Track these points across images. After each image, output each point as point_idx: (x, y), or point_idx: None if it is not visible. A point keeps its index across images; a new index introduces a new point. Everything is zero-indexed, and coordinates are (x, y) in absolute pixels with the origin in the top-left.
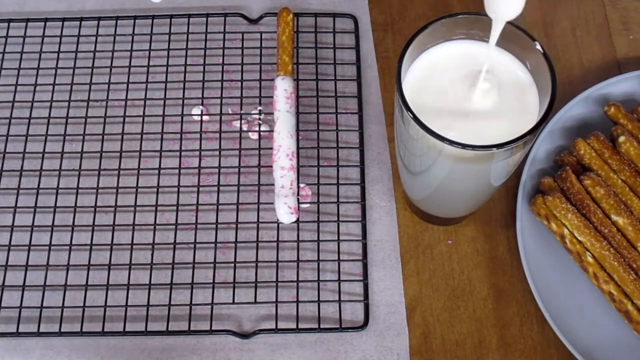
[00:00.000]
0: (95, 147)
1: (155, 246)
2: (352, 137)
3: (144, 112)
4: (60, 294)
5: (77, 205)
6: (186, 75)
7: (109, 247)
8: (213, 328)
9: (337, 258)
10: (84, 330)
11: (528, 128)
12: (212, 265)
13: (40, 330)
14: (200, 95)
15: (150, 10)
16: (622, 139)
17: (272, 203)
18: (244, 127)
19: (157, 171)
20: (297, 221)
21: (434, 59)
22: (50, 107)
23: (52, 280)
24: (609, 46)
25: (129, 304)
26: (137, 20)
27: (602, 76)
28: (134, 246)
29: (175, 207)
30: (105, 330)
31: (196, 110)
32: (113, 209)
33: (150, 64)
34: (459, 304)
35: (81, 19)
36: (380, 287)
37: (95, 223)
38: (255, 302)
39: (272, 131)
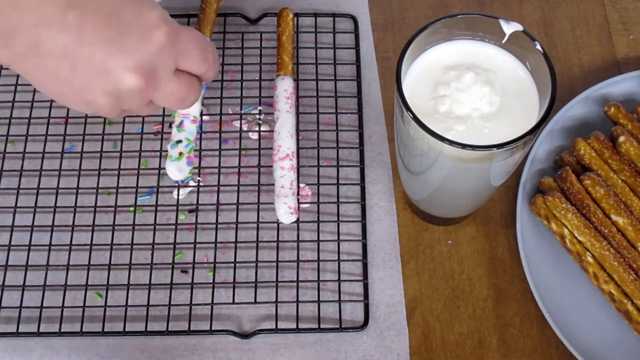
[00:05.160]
0: (95, 147)
1: (155, 246)
2: (352, 137)
3: None
4: (60, 294)
5: (77, 205)
6: None
7: (109, 247)
8: (213, 328)
9: (337, 258)
10: (84, 330)
11: (528, 128)
12: (212, 265)
13: (40, 330)
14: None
15: None
16: (622, 139)
17: (272, 203)
18: (244, 127)
19: (157, 171)
20: (297, 221)
21: (434, 59)
22: (50, 107)
23: (52, 280)
24: (609, 46)
25: (129, 304)
26: None
27: (602, 76)
28: (134, 246)
29: (175, 207)
30: (105, 330)
31: None
32: (113, 209)
33: None
34: (459, 304)
35: None
36: (380, 287)
37: (95, 223)
38: (255, 302)
39: (272, 131)
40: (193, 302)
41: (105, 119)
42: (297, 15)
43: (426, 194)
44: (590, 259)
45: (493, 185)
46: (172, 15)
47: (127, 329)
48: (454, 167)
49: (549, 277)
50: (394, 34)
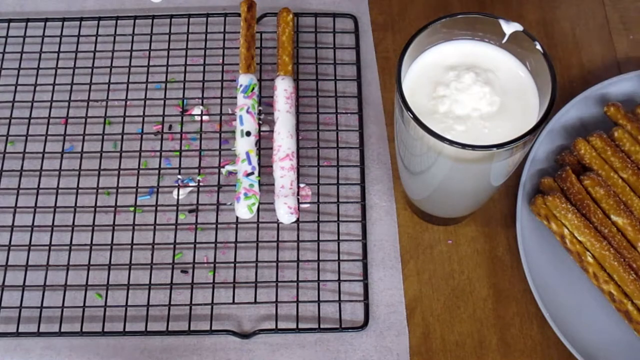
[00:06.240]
0: (95, 147)
1: (155, 246)
2: (352, 137)
3: (144, 112)
4: (60, 294)
5: (77, 205)
6: (186, 75)
7: (109, 247)
8: (213, 328)
9: (337, 258)
10: (83, 330)
11: (528, 128)
12: (212, 265)
13: (40, 330)
14: (200, 95)
15: (150, 10)
16: (617, 133)
17: (272, 203)
18: None
19: (157, 171)
20: (297, 221)
21: (434, 59)
22: (50, 107)
23: (52, 280)
24: (609, 46)
25: (129, 304)
26: (137, 20)
27: (602, 76)
28: (134, 246)
29: (175, 207)
30: (105, 330)
31: (196, 111)
32: (113, 209)
33: (150, 64)
34: (459, 304)
35: (81, 19)
36: (380, 287)
37: (95, 223)
38: (255, 302)
39: (272, 131)
40: (193, 302)
41: (105, 119)
42: (297, 15)
43: (426, 194)
44: (590, 259)
45: (493, 185)
46: (173, 16)
47: (127, 329)
48: (454, 167)
49: (549, 277)
50: (394, 34)
